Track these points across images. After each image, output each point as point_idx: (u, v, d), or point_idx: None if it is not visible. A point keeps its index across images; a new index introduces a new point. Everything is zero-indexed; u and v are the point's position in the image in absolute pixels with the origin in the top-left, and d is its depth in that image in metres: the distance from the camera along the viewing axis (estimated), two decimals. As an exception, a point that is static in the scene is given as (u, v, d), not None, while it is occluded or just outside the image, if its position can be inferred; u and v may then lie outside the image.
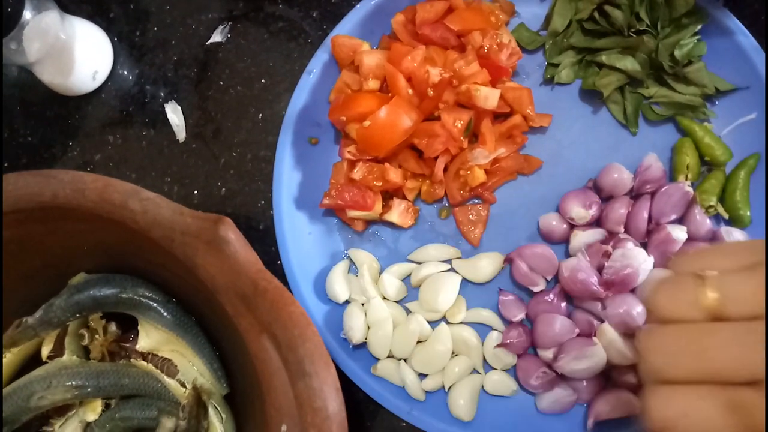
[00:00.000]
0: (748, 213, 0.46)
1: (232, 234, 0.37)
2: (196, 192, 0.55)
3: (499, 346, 0.46)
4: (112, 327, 0.48)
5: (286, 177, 0.50)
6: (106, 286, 0.46)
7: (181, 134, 0.56)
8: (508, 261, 0.48)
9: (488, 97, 0.46)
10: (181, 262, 0.39)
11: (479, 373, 0.48)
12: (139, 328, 0.47)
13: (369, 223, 0.51)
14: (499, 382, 0.47)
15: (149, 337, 0.47)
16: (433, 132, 0.47)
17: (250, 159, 0.55)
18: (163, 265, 0.43)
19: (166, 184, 0.55)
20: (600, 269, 0.45)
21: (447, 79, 0.47)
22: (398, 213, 0.50)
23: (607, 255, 0.45)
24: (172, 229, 0.38)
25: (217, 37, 0.57)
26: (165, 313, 0.46)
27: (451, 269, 0.49)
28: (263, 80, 0.56)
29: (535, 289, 0.47)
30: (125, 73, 0.58)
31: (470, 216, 0.50)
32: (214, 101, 0.56)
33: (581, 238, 0.47)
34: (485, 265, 0.49)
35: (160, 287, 0.47)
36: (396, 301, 0.50)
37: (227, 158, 0.55)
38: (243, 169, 0.55)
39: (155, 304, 0.46)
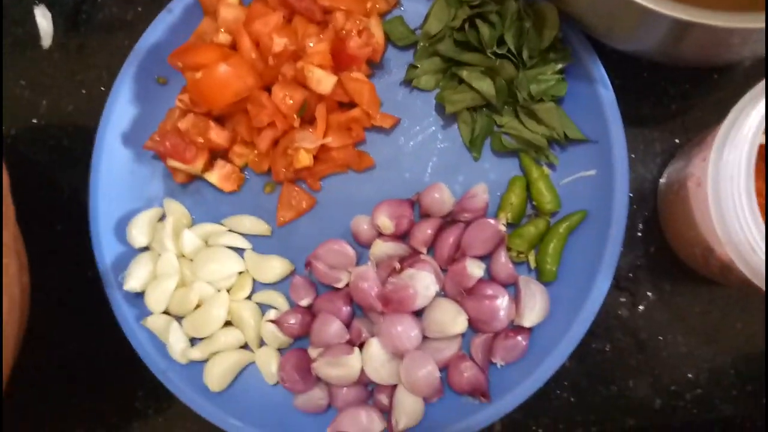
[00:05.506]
0: (555, 269, 0.45)
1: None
2: (44, 102, 0.54)
3: (271, 321, 0.45)
4: None
5: (120, 109, 0.49)
6: None
7: (46, 41, 0.54)
8: (308, 265, 0.47)
9: (321, 80, 0.44)
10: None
11: (251, 351, 0.47)
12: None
13: (194, 177, 0.50)
14: (266, 364, 0.46)
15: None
16: (260, 102, 0.45)
17: (106, 82, 0.53)
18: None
19: (18, 87, 0.54)
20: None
21: (289, 52, 0.45)
22: (219, 175, 0.48)
23: (397, 271, 0.44)
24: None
25: (105, -48, 0.55)
26: None
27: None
28: (139, 8, 0.54)
29: (339, 285, 0.46)
30: (9, -35, 0.56)
31: (292, 200, 0.48)
32: (86, 15, 0.54)
33: (382, 248, 0.45)
34: (275, 267, 0.47)
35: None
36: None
37: (83, 77, 0.53)
38: (95, 92, 0.53)
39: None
